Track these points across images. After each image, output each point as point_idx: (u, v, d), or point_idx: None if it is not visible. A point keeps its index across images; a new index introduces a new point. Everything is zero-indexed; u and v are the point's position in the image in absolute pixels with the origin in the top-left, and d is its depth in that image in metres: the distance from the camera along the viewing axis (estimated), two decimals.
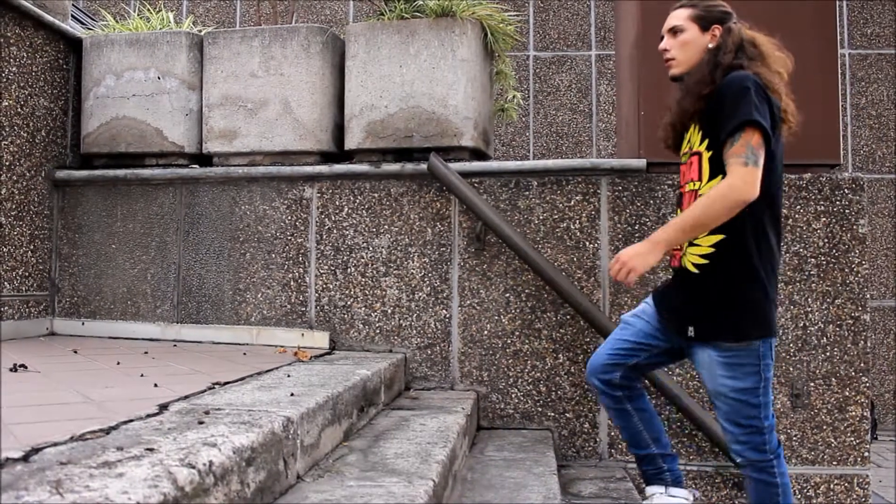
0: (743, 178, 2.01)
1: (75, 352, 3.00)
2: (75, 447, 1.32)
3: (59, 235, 3.71)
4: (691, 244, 2.18)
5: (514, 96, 3.78)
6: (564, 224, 3.33)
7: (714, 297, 2.15)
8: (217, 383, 2.24)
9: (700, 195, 2.14)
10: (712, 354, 2.15)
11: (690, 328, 2.19)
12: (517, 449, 2.89)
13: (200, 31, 3.77)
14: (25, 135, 3.43)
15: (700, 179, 2.17)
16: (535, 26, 7.80)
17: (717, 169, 2.11)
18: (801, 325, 3.22)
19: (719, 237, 2.13)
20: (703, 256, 2.16)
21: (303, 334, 3.44)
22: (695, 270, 2.18)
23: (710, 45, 2.24)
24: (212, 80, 3.62)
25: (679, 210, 2.29)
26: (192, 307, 3.58)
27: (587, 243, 3.32)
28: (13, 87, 3.33)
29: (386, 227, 3.42)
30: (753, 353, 2.11)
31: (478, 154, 3.51)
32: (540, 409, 3.29)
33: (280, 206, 3.51)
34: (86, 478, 1.10)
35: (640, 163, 3.30)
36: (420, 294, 3.38)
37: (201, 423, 1.60)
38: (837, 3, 3.49)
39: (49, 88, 3.60)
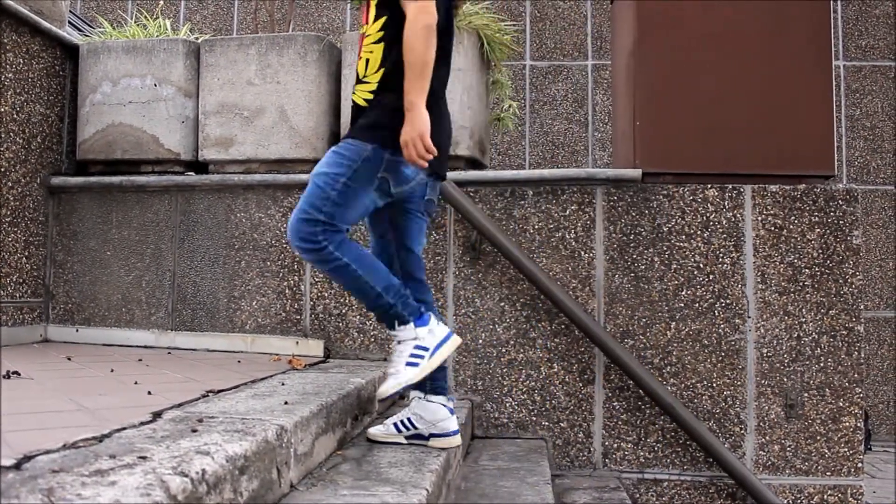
0: (418, 8, 2.08)
1: (69, 359, 2.99)
2: (68, 455, 1.32)
3: (54, 242, 3.70)
4: (360, 81, 2.24)
5: (510, 106, 3.79)
6: (560, 234, 3.34)
7: (367, 115, 2.21)
8: (211, 391, 2.24)
9: (367, 36, 2.23)
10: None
11: None
12: (511, 458, 2.88)
13: (197, 38, 3.78)
14: (21, 141, 3.43)
15: (367, 23, 2.24)
16: (532, 36, 7.82)
17: (380, 12, 2.20)
18: (796, 335, 3.23)
19: (382, 72, 2.19)
20: (370, 92, 2.22)
21: (297, 342, 3.43)
22: (364, 104, 2.24)
23: None
24: (208, 87, 3.63)
25: (358, 57, 2.32)
26: (187, 314, 3.57)
27: (582, 253, 3.33)
28: (9, 93, 3.33)
29: None
30: (358, 150, 2.15)
31: (474, 163, 3.52)
32: (534, 419, 3.29)
33: (276, 213, 3.51)
34: (78, 486, 1.10)
35: (636, 173, 3.31)
36: None
37: (195, 431, 1.59)
38: (832, 15, 3.51)
39: (45, 95, 3.60)
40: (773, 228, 3.27)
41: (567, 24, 7.83)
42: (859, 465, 3.19)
